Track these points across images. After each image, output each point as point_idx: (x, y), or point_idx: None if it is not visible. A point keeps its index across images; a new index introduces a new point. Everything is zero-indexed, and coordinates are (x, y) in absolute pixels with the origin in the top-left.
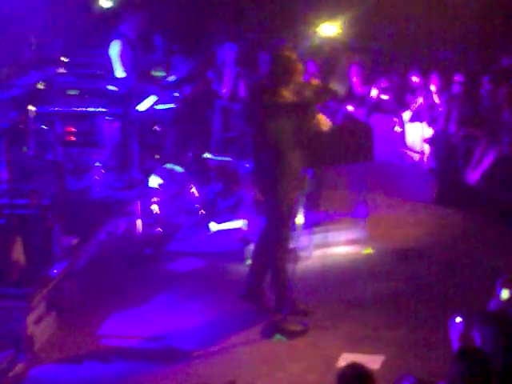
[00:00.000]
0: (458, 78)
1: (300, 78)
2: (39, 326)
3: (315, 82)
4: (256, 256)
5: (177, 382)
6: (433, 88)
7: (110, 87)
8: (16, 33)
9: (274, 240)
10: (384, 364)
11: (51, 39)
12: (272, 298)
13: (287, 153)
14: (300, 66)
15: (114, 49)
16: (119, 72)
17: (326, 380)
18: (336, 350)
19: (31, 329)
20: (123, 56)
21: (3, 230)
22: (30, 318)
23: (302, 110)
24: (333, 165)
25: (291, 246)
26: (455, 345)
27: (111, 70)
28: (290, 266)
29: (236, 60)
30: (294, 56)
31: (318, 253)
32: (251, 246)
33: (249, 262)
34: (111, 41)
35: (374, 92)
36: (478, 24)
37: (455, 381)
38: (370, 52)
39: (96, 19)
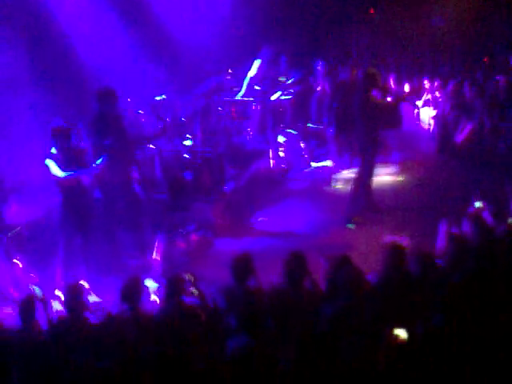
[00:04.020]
0: (451, 82)
1: (379, 84)
2: (219, 217)
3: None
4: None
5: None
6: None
7: (256, 86)
8: (200, 54)
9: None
10: (409, 243)
11: (221, 57)
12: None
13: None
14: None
15: (257, 64)
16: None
17: (377, 250)
18: (382, 233)
19: (215, 218)
20: (261, 69)
21: (200, 165)
22: (214, 212)
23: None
24: (383, 130)
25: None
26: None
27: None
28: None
29: (324, 71)
30: (376, 72)
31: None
32: (335, 176)
33: (333, 184)
34: (255, 59)
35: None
36: (463, 48)
37: (447, 255)
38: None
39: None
